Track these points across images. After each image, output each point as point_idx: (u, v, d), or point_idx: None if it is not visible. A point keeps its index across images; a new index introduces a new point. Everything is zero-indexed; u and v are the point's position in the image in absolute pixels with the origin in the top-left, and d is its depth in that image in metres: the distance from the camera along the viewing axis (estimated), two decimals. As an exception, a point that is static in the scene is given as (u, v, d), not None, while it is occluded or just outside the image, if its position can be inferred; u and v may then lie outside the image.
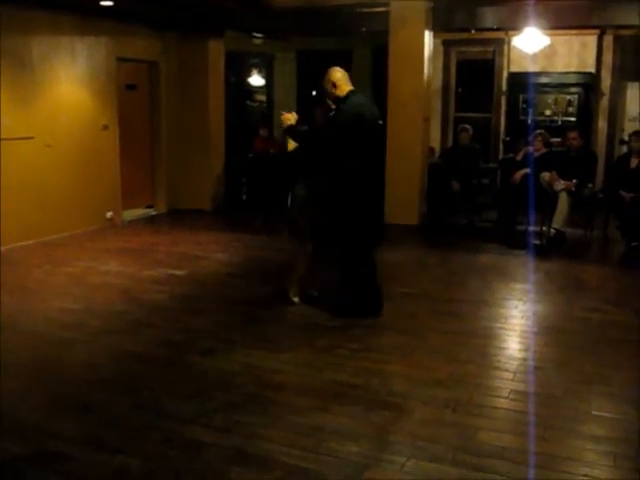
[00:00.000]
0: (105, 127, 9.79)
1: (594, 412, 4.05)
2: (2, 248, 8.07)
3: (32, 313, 5.94)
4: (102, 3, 8.56)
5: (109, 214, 9.94)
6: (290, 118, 5.87)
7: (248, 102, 14.52)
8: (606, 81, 11.72)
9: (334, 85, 5.68)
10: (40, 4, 8.28)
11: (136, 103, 10.61)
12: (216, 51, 11.18)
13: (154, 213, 10.92)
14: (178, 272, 7.25)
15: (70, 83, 9.23)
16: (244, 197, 11.82)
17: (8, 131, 8.25)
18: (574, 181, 8.43)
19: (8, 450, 3.62)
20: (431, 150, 11.04)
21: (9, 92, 8.27)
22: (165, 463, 3.50)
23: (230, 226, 10.13)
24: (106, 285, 6.83)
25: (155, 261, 7.70)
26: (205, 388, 4.39)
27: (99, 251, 8.33)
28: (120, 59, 9.95)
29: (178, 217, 10.76)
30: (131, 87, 10.49)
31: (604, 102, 11.80)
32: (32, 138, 8.60)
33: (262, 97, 14.62)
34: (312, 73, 13.99)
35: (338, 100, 5.68)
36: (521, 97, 12.22)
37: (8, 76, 8.23)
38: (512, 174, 9.02)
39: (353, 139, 5.52)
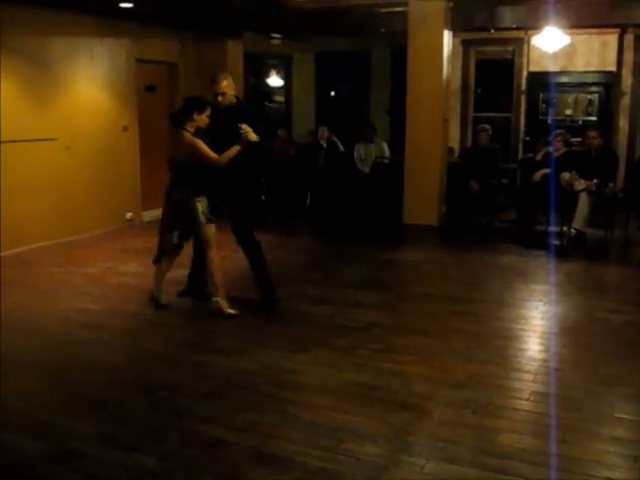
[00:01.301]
0: (125, 128, 9.84)
1: (615, 414, 4.01)
2: (19, 249, 8.14)
3: (51, 313, 5.97)
4: (122, 5, 8.60)
5: (128, 215, 9.98)
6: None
7: (267, 103, 14.53)
8: (627, 80, 11.61)
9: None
10: (60, 6, 8.33)
11: (155, 104, 10.64)
12: (235, 52, 11.20)
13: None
14: (197, 272, 7.25)
15: (90, 84, 9.28)
16: (263, 197, 11.82)
17: (28, 132, 8.31)
18: (594, 181, 8.35)
19: (26, 448, 3.65)
20: (450, 150, 11.00)
21: (29, 93, 8.34)
22: (182, 463, 3.50)
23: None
24: (125, 285, 6.86)
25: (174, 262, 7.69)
26: (223, 388, 4.39)
27: (118, 251, 8.37)
28: (139, 60, 10.00)
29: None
30: (150, 88, 10.52)
31: (625, 101, 11.69)
32: (53, 140, 8.66)
33: (281, 98, 14.64)
34: (330, 74, 14.06)
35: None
36: (541, 96, 12.16)
37: (28, 77, 8.30)
38: (532, 174, 8.95)
39: None
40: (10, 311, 5.98)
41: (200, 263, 6.07)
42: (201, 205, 5.70)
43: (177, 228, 5.80)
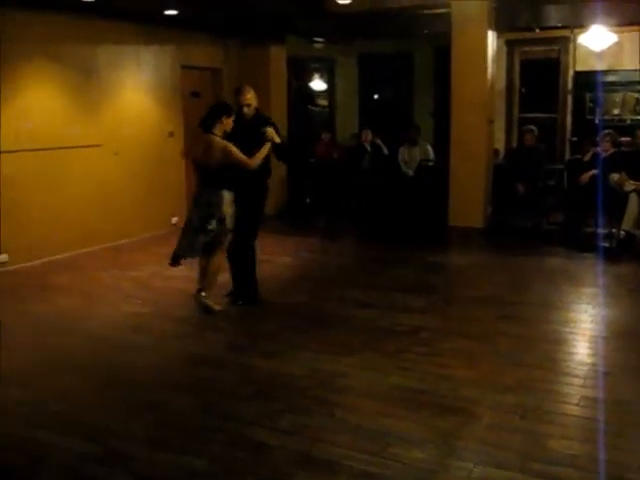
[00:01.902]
0: (171, 134, 9.96)
1: (668, 419, 3.92)
2: (68, 254, 8.29)
3: (99, 316, 6.07)
4: (166, 12, 8.72)
5: (174, 219, 10.08)
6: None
7: (310, 107, 14.57)
8: (676, 78, 11.38)
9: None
10: (107, 14, 8.47)
11: (200, 110, 10.66)
12: (278, 57, 11.25)
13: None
14: (242, 276, 7.29)
15: (136, 91, 9.42)
16: (307, 201, 11.86)
17: (77, 139, 8.47)
18: (645, 182, 8.20)
19: (76, 450, 3.70)
20: (495, 152, 10.90)
21: (77, 101, 8.49)
22: (230, 465, 3.52)
23: (294, 230, 10.17)
24: (172, 289, 6.93)
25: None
26: (270, 391, 4.41)
27: (165, 256, 8.37)
28: (184, 67, 10.12)
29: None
30: (195, 94, 10.63)
31: (675, 100, 11.45)
32: (99, 146, 8.80)
33: (324, 101, 14.66)
34: (373, 76, 14.04)
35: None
36: (588, 96, 11.96)
37: (75, 85, 8.45)
38: (579, 175, 8.82)
39: None
40: (60, 314, 6.12)
41: (238, 264, 6.29)
42: (230, 209, 5.87)
43: (205, 230, 5.85)
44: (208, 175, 5.85)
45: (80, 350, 5.26)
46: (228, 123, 5.85)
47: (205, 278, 6.02)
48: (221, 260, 6.07)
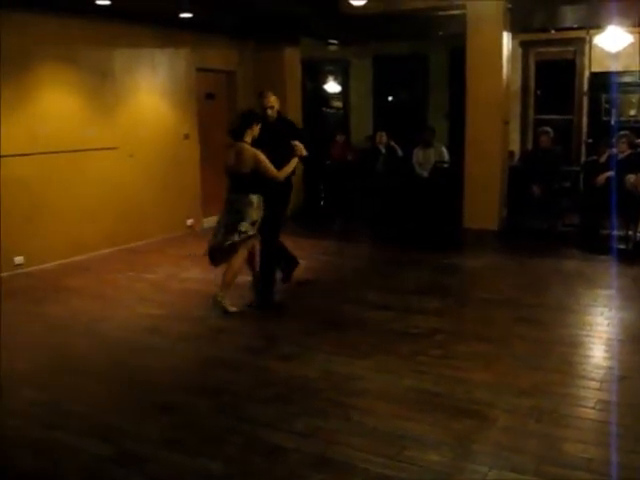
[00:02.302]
0: (186, 136, 10.00)
1: (686, 423, 3.90)
2: (84, 256, 8.35)
3: (115, 318, 6.11)
4: (181, 15, 8.75)
5: (189, 221, 10.13)
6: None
7: (324, 109, 14.58)
8: (692, 78, 11.30)
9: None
10: (122, 17, 8.51)
11: (215, 112, 10.77)
12: (292, 59, 11.27)
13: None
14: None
15: (151, 94, 9.46)
16: (322, 203, 11.87)
17: (93, 142, 8.51)
18: (661, 183, 8.16)
19: (92, 451, 3.73)
20: (510, 153, 10.86)
21: (92, 103, 8.54)
22: (246, 467, 3.54)
23: (309, 232, 10.17)
24: (187, 291, 6.96)
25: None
26: (285, 393, 4.41)
27: (180, 258, 8.49)
28: (199, 69, 10.15)
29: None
30: (210, 96, 10.67)
31: (691, 101, 11.37)
32: (115, 148, 8.85)
33: (338, 103, 14.67)
34: (388, 78, 14.03)
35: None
36: (604, 97, 11.89)
37: (91, 88, 8.50)
38: (595, 177, 8.78)
39: None
40: (75, 316, 6.16)
41: (268, 266, 6.50)
42: (258, 213, 6.07)
43: (237, 231, 6.02)
44: (238, 181, 6.06)
45: (95, 352, 5.30)
46: (256, 130, 6.10)
47: (226, 277, 6.12)
48: (242, 262, 6.17)
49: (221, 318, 5.99)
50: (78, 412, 4.24)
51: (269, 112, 6.38)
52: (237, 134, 6.06)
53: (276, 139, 6.19)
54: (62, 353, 5.26)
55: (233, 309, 6.09)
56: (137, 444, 3.78)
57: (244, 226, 5.98)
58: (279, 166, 6.06)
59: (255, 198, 6.04)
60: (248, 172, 5.96)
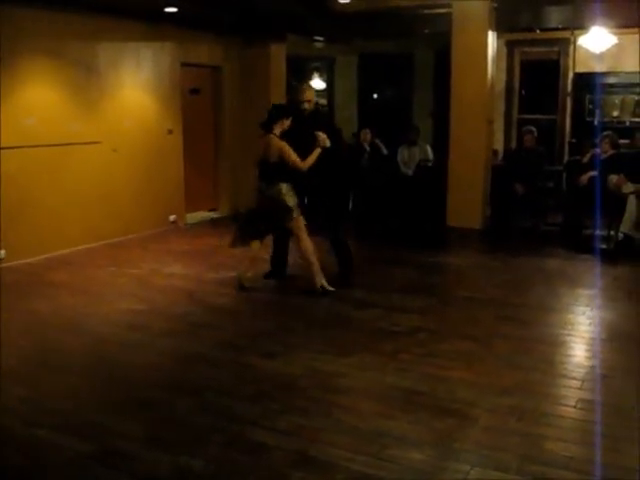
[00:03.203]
0: (170, 131, 9.95)
1: (666, 422, 3.92)
2: (67, 251, 8.31)
3: (97, 314, 6.06)
4: (167, 9, 8.71)
5: (172, 217, 10.09)
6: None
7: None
8: (676, 80, 11.37)
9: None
10: (106, 11, 8.46)
11: (200, 107, 10.75)
12: (278, 55, 11.26)
13: (217, 216, 11.04)
14: (241, 275, 7.31)
15: (135, 88, 9.41)
16: (305, 200, 11.83)
17: (76, 136, 8.46)
18: (643, 184, 8.21)
19: (74, 448, 3.70)
20: (494, 153, 10.90)
21: (76, 97, 8.48)
22: (228, 465, 3.52)
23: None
24: (170, 287, 6.94)
25: (218, 263, 7.78)
26: (268, 391, 4.40)
27: (163, 253, 8.46)
28: (184, 64, 10.11)
29: (240, 220, 10.85)
30: (195, 92, 10.63)
31: (674, 102, 11.45)
32: (98, 143, 8.80)
33: (323, 100, 14.65)
34: (373, 76, 14.04)
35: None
36: (587, 98, 11.98)
37: (75, 82, 8.45)
38: (578, 177, 8.84)
39: None
40: (57, 312, 6.12)
41: (280, 248, 7.05)
42: (292, 199, 6.45)
43: (267, 219, 6.55)
44: (267, 171, 6.46)
45: (78, 348, 5.26)
46: (287, 124, 6.46)
47: (309, 269, 6.56)
48: (308, 245, 6.56)
49: (204, 314, 5.99)
50: (61, 409, 4.21)
51: (306, 106, 6.65)
52: (267, 126, 6.43)
53: (308, 131, 6.44)
54: (45, 349, 5.23)
55: (330, 288, 6.51)
56: (119, 442, 3.76)
57: (280, 213, 6.45)
58: (306, 157, 6.39)
59: (284, 186, 6.39)
60: (276, 162, 6.33)
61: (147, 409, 4.19)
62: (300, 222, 6.52)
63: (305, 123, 6.55)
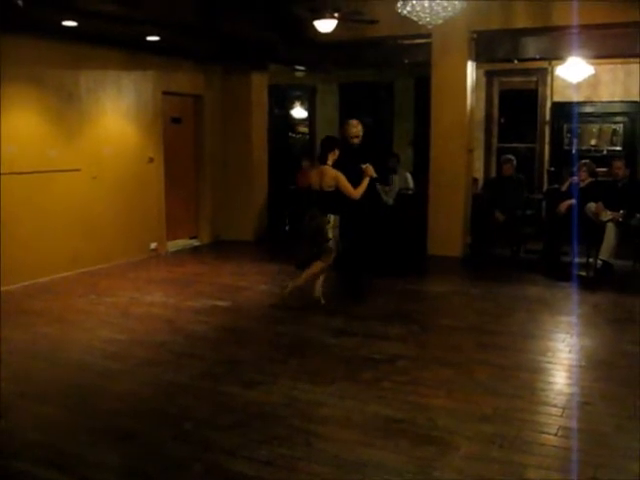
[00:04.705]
0: (151, 160, 9.94)
1: (647, 450, 3.92)
2: (46, 278, 8.24)
3: (76, 342, 6.00)
4: (148, 38, 8.75)
5: (153, 245, 10.05)
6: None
7: (291, 134, 14.63)
8: (652, 110, 11.55)
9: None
10: (88, 39, 8.48)
11: (181, 136, 10.76)
12: (259, 84, 11.31)
13: (198, 244, 11.01)
14: (221, 303, 7.27)
15: (117, 116, 9.41)
16: (287, 228, 11.86)
17: (56, 163, 8.43)
18: (621, 212, 8.29)
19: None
20: (474, 181, 10.97)
21: (57, 125, 8.46)
22: (208, 496, 3.48)
23: (273, 257, 10.15)
24: (150, 315, 6.88)
25: (198, 292, 7.74)
26: (248, 420, 4.36)
27: (143, 281, 8.41)
28: (165, 93, 10.13)
29: (221, 248, 10.83)
30: (176, 120, 10.64)
31: (650, 131, 11.62)
32: (78, 170, 8.77)
33: (304, 129, 14.74)
34: (354, 105, 14.13)
35: None
36: (565, 127, 12.15)
37: (56, 109, 8.44)
38: (557, 205, 8.91)
39: None
40: (35, 340, 6.04)
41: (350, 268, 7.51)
42: (333, 232, 6.86)
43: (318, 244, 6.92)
44: (320, 199, 6.87)
45: (55, 377, 5.20)
46: (337, 153, 6.90)
47: (306, 276, 6.98)
48: (320, 268, 6.96)
49: (183, 343, 5.95)
50: (37, 440, 4.14)
51: (355, 141, 7.21)
52: (322, 159, 6.92)
53: (356, 164, 6.94)
54: (22, 378, 5.16)
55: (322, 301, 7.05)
56: (97, 473, 3.71)
57: (326, 241, 6.83)
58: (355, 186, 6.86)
59: (332, 217, 6.83)
60: (331, 191, 6.80)
61: (125, 439, 4.14)
62: (330, 257, 6.88)
63: (353, 157, 7.01)
